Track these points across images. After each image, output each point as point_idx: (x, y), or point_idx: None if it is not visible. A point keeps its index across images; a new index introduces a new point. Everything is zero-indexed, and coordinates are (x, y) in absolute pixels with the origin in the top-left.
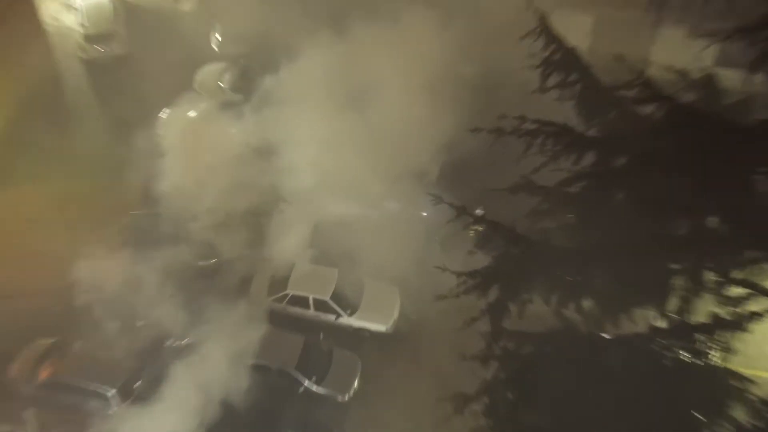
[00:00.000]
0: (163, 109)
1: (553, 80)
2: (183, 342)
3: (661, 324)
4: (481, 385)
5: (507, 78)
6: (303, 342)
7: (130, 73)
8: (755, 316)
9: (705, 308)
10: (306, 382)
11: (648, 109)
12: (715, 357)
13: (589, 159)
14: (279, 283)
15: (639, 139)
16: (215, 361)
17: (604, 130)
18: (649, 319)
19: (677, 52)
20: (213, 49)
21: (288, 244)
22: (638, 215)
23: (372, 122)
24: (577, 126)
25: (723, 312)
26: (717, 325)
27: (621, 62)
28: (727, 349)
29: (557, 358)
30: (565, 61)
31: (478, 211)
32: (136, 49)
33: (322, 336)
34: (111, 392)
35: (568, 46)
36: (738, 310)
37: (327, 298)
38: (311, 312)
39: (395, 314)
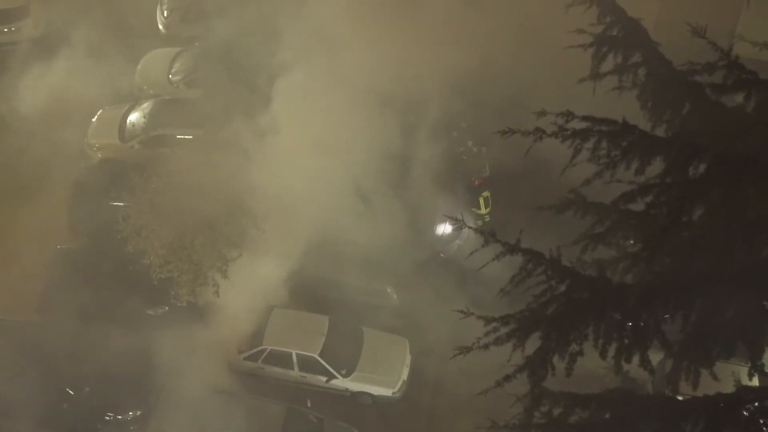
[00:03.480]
0: (97, 111)
1: (609, 63)
2: (128, 414)
3: (755, 382)
4: None
5: (547, 61)
6: (285, 411)
7: (46, 60)
8: None
9: None
10: None
11: (736, 98)
12: None
13: (656, 167)
14: (252, 335)
15: (724, 139)
16: None
17: (677, 129)
18: (738, 375)
19: None
20: (159, 29)
21: (262, 281)
22: (724, 239)
23: (374, 119)
24: (640, 123)
25: None
26: None
27: (700, 37)
28: None
29: (617, 428)
30: (625, 38)
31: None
32: (54, 29)
33: (309, 403)
34: None
35: (629, 18)
36: None
37: (316, 354)
38: (295, 372)
39: (404, 374)
